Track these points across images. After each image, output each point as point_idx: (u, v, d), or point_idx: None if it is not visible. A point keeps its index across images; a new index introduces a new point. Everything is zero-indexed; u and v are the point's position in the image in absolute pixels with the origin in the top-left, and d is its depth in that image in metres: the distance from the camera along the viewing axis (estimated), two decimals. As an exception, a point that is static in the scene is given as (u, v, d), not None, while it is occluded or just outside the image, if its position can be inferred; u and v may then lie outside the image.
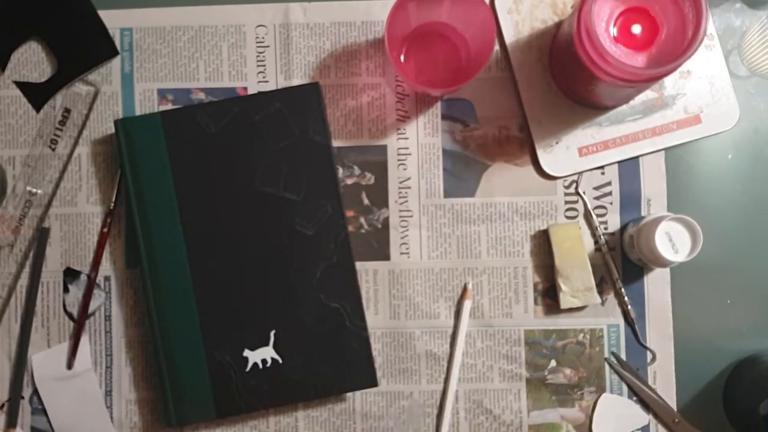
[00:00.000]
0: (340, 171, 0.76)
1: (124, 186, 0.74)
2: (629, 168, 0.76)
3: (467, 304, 0.75)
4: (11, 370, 0.75)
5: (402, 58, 0.76)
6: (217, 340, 0.73)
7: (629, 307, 0.75)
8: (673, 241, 0.70)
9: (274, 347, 0.73)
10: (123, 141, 0.74)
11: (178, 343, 0.73)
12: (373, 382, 0.74)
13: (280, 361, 0.73)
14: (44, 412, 0.75)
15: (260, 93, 0.76)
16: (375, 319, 0.76)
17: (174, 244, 0.74)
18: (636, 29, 0.67)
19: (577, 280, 0.74)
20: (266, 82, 0.77)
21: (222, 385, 0.73)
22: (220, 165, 0.74)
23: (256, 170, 0.74)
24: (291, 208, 0.74)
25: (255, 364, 0.73)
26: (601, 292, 0.75)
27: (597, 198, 0.76)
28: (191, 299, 0.73)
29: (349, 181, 0.77)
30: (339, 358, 0.73)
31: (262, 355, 0.73)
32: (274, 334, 0.73)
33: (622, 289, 0.75)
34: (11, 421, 0.74)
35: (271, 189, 0.74)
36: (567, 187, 0.77)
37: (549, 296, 0.76)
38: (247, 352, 0.73)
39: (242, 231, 0.74)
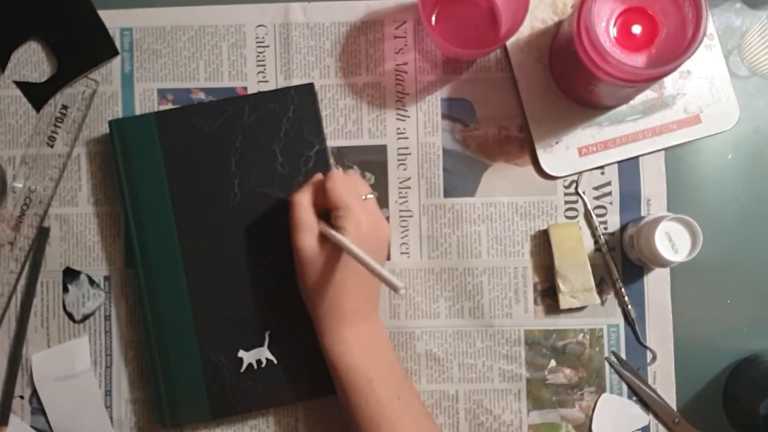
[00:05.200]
0: (340, 171, 0.76)
1: (119, 187, 0.74)
2: (629, 168, 0.76)
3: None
4: (6, 369, 0.75)
5: (433, 20, 0.75)
6: (211, 341, 0.73)
7: (629, 307, 0.75)
8: (672, 241, 0.70)
9: (269, 348, 0.73)
10: (117, 142, 0.74)
11: (172, 344, 0.73)
12: None
13: (275, 361, 0.73)
14: (43, 412, 0.75)
15: (254, 94, 0.76)
16: (375, 319, 0.76)
17: (168, 244, 0.73)
18: (636, 29, 0.67)
19: (576, 281, 0.74)
20: (266, 82, 0.77)
21: (216, 386, 0.73)
22: (215, 166, 0.74)
23: (251, 171, 0.74)
24: (286, 208, 0.74)
25: (250, 365, 0.73)
26: (601, 292, 0.75)
27: (597, 198, 0.76)
28: (186, 300, 0.73)
29: (349, 181, 0.77)
30: None
31: (257, 355, 0.73)
32: (269, 335, 0.73)
33: (622, 289, 0.75)
34: (1, 419, 0.74)
35: (265, 189, 0.74)
36: (567, 187, 0.77)
37: (549, 296, 0.76)
38: (241, 353, 0.73)
39: (237, 232, 0.74)
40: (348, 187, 0.68)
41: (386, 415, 0.66)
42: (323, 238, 0.68)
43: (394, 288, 0.60)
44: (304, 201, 0.69)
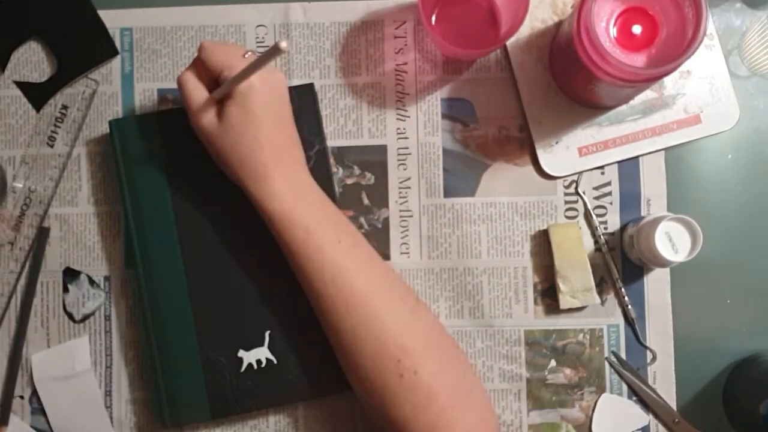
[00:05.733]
0: (340, 171, 0.76)
1: (119, 187, 0.74)
2: (629, 168, 0.76)
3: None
4: (6, 369, 0.75)
5: (433, 20, 0.75)
6: (211, 341, 0.73)
7: (629, 307, 0.75)
8: (672, 241, 0.70)
9: (269, 347, 0.73)
10: (117, 142, 0.74)
11: (172, 344, 0.73)
12: None
13: (275, 361, 0.73)
14: (43, 412, 0.75)
15: None
16: (375, 319, 0.76)
17: (168, 244, 0.73)
18: (636, 29, 0.67)
19: (576, 281, 0.74)
20: (266, 82, 0.77)
21: (216, 386, 0.73)
22: (215, 165, 0.74)
23: None
24: None
25: (250, 365, 0.73)
26: (601, 292, 0.75)
27: (597, 198, 0.76)
28: (186, 300, 0.73)
29: (349, 181, 0.77)
30: (333, 359, 0.73)
31: (257, 355, 0.73)
32: (269, 335, 0.73)
33: (622, 289, 0.75)
34: (1, 419, 0.74)
35: None
36: (567, 187, 0.77)
37: (549, 296, 0.76)
38: (241, 353, 0.73)
39: (237, 231, 0.74)
40: (224, 50, 0.67)
41: (328, 259, 0.66)
42: (220, 109, 0.67)
43: (277, 50, 0.56)
44: (190, 79, 0.67)
